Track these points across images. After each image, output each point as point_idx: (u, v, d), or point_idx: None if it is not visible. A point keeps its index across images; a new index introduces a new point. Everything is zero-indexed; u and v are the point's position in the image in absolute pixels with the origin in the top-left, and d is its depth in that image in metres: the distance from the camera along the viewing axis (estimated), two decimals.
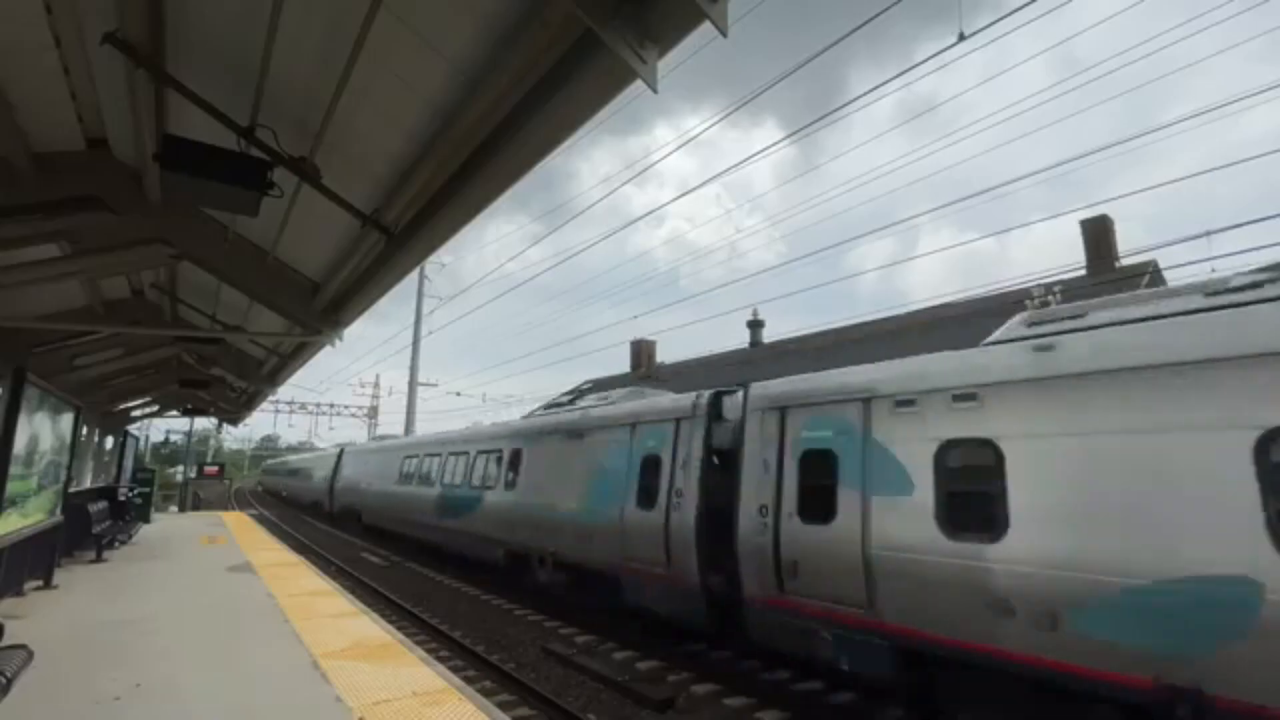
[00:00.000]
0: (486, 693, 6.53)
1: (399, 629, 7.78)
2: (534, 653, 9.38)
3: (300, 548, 18.66)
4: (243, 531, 17.46)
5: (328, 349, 9.05)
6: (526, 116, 3.12)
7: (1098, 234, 22.19)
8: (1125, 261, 20.82)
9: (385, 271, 5.26)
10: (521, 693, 7.52)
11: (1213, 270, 11.07)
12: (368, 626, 6.85)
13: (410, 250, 4.69)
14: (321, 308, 6.62)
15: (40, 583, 8.77)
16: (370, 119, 4.01)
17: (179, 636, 6.37)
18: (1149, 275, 19.80)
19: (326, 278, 6.37)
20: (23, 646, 4.04)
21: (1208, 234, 10.61)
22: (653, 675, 8.37)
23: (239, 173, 3.79)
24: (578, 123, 3.02)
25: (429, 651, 7.01)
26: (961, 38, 7.35)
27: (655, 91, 2.45)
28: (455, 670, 7.19)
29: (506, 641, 9.97)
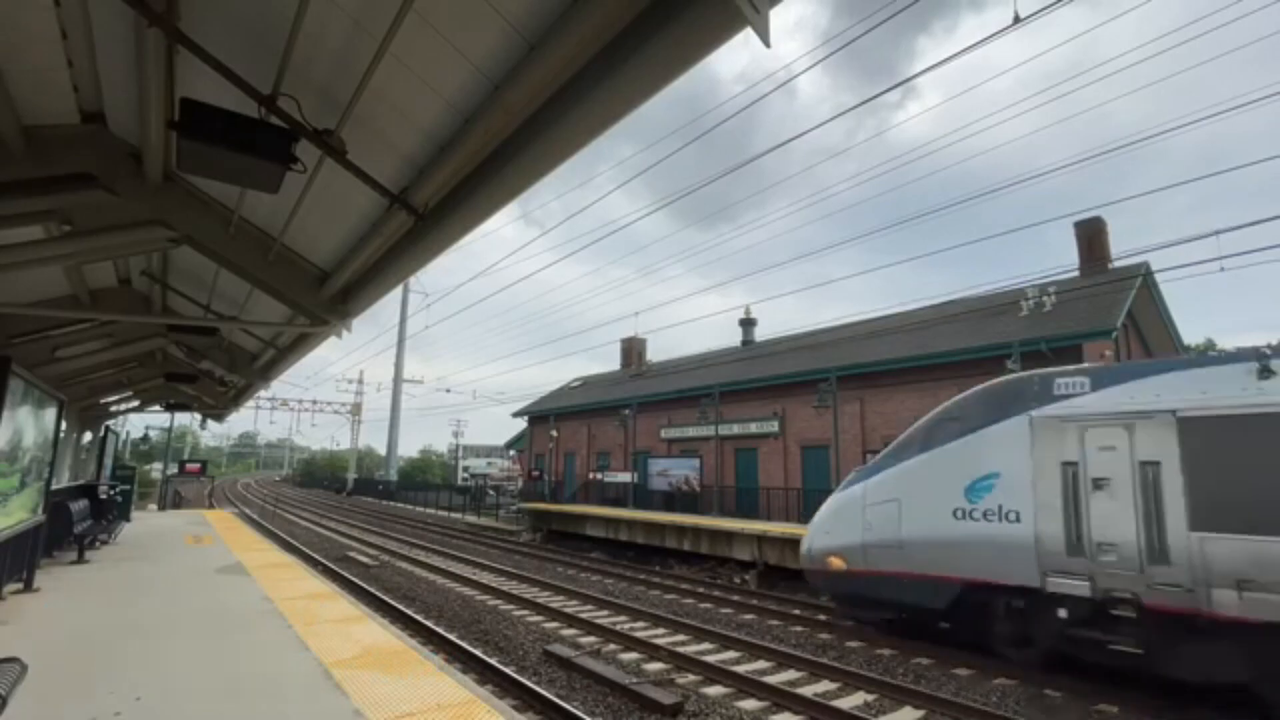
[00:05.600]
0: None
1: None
2: (535, 655, 9.13)
3: (287, 547, 18.25)
4: (228, 530, 16.98)
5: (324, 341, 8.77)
6: (596, 79, 2.83)
7: (1090, 235, 22.38)
8: (1118, 263, 20.97)
9: (410, 255, 4.93)
10: (524, 696, 7.27)
11: (1221, 269, 11.07)
12: (376, 632, 6.54)
13: (444, 230, 4.35)
14: (329, 296, 6.30)
15: (20, 585, 8.34)
16: (407, 88, 3.69)
17: (176, 644, 6.01)
18: (1141, 278, 19.98)
19: (338, 264, 6.04)
20: (15, 660, 3.72)
21: (1216, 234, 10.59)
22: (661, 678, 8.19)
23: (263, 143, 3.47)
24: (662, 81, 2.69)
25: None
26: (1017, 19, 7.14)
27: (768, 46, 2.19)
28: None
29: (505, 643, 9.71)
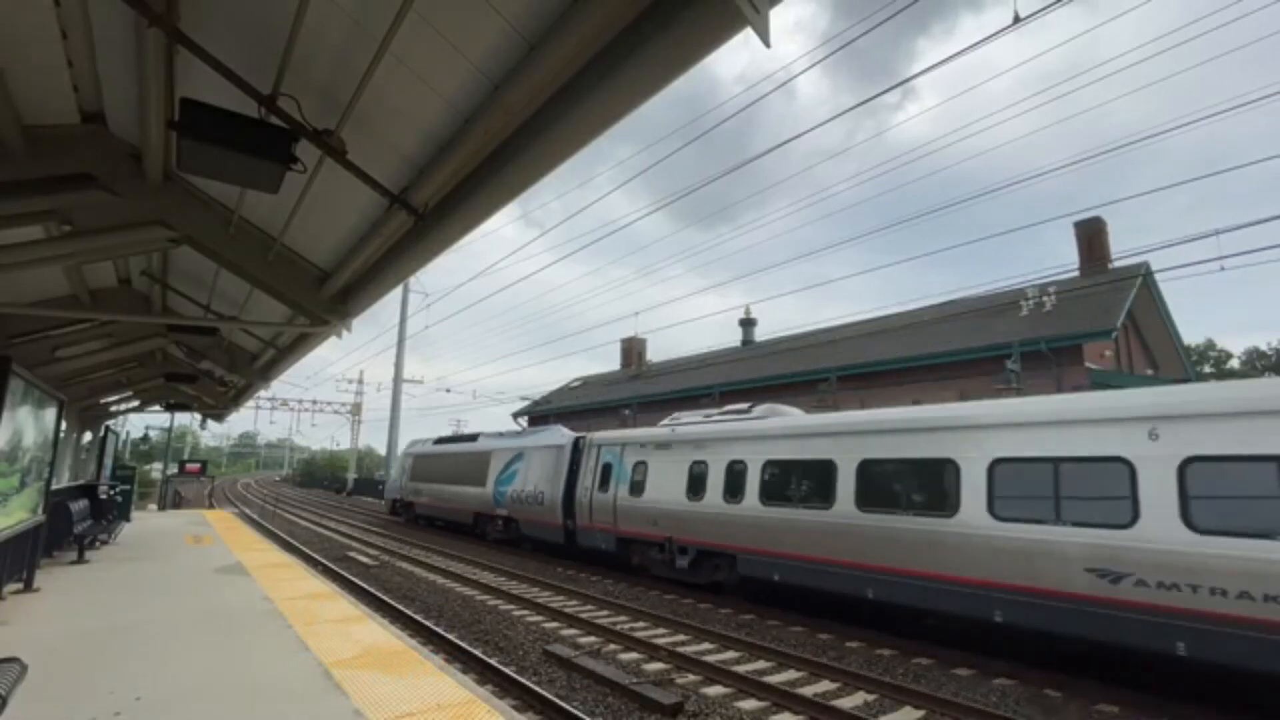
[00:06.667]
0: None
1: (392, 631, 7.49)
2: (535, 655, 9.11)
3: (288, 547, 18.23)
4: (228, 530, 16.98)
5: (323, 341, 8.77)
6: (596, 79, 2.83)
7: (1090, 235, 22.37)
8: (1118, 263, 20.97)
9: (410, 255, 4.95)
10: (524, 696, 7.26)
11: (1221, 269, 11.07)
12: (376, 632, 6.54)
13: (444, 230, 4.36)
14: (329, 296, 6.29)
15: (20, 585, 8.34)
16: (407, 88, 3.69)
17: (176, 644, 6.01)
18: (1141, 278, 19.97)
19: (338, 264, 6.04)
20: (15, 660, 3.72)
21: (1216, 233, 10.58)
22: (661, 678, 8.17)
23: (262, 143, 3.47)
24: (662, 81, 2.69)
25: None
26: (1016, 19, 7.12)
27: (768, 46, 2.19)
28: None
29: (505, 644, 9.69)
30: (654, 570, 14.24)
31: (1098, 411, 7.90)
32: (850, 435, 10.65)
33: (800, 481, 11.26)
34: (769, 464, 11.81)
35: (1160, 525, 6.96)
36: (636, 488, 14.74)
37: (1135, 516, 7.16)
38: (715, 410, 15.25)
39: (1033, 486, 7.99)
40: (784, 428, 12.16)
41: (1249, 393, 6.99)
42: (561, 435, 18.77)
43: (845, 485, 10.31)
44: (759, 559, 11.56)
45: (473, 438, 24.46)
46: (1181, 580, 6.68)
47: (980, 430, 8.87)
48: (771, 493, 11.62)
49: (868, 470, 10.10)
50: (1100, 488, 7.51)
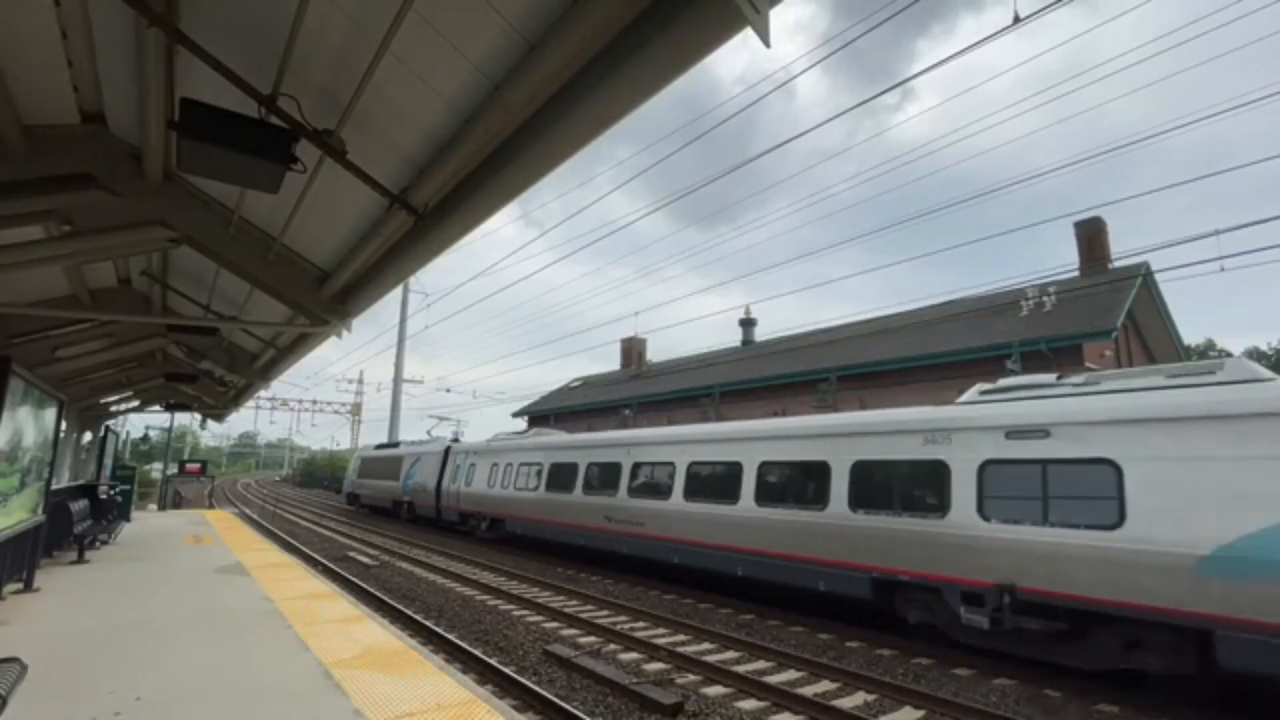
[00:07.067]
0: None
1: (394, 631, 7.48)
2: (535, 655, 9.11)
3: (288, 547, 18.23)
4: (228, 530, 16.97)
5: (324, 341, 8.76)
6: (596, 79, 2.83)
7: (1090, 235, 22.35)
8: (1118, 263, 20.96)
9: (411, 255, 4.94)
10: (524, 696, 7.26)
11: (1221, 269, 11.06)
12: (376, 632, 6.53)
13: (444, 230, 4.36)
14: (330, 296, 6.29)
15: (20, 585, 8.34)
16: (407, 88, 3.69)
17: (176, 644, 6.01)
18: (1141, 278, 19.97)
19: (338, 264, 6.04)
20: (15, 660, 3.72)
21: (1216, 233, 10.57)
22: (661, 678, 8.17)
23: (262, 143, 3.47)
24: (662, 81, 2.69)
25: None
26: (1016, 19, 7.11)
27: (768, 46, 2.19)
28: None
29: (505, 643, 9.69)
30: (476, 533, 22.44)
31: (611, 440, 16.50)
32: (550, 450, 18.66)
33: (531, 476, 19.19)
34: (522, 464, 19.83)
35: (625, 494, 14.69)
36: (469, 481, 22.79)
37: (619, 490, 14.86)
38: (515, 432, 24.17)
39: (605, 476, 15.80)
40: (533, 444, 20.05)
41: (667, 432, 15.29)
42: (440, 444, 26.61)
43: (543, 478, 18.28)
44: (515, 521, 19.63)
45: (395, 445, 33.66)
46: (628, 518, 14.28)
47: (582, 450, 17.32)
48: (520, 483, 19.63)
49: (557, 469, 17.86)
50: (611, 476, 15.39)
